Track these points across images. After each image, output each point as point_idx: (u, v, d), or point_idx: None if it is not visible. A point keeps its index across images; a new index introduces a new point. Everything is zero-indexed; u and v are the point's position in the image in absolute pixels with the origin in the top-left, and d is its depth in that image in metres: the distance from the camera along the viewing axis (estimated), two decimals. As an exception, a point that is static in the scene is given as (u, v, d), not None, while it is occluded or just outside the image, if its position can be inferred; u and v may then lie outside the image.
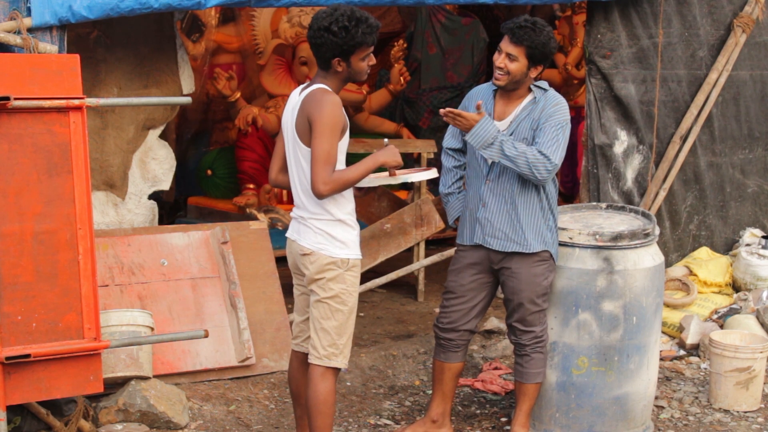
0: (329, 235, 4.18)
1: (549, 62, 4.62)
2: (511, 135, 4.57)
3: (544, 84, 4.67)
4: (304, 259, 4.23)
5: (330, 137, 4.05)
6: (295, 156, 4.21)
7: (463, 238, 4.79)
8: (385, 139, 4.49)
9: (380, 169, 4.25)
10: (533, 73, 4.56)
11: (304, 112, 4.12)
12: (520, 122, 4.59)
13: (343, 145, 4.17)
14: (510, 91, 4.61)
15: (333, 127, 4.05)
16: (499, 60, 4.54)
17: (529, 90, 4.63)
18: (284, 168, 4.36)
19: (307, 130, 4.11)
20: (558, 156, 4.52)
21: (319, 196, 4.08)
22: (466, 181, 4.80)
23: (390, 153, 4.24)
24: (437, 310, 6.98)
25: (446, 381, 4.88)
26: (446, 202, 4.90)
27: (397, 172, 4.35)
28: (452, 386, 4.91)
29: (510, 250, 4.64)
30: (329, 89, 4.15)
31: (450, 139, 4.90)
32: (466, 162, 4.81)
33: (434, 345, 4.91)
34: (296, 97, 4.24)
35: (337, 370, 4.26)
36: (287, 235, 4.35)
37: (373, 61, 4.24)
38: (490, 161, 4.61)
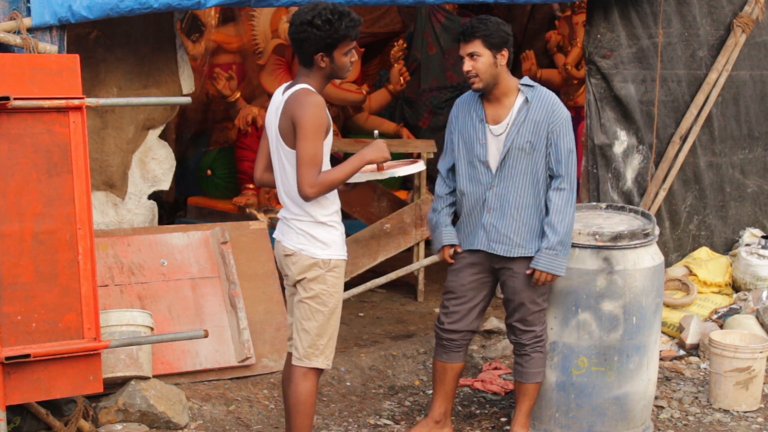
0: (310, 235, 4.17)
1: (510, 44, 4.53)
2: (511, 141, 4.54)
3: (529, 81, 4.63)
4: (287, 260, 4.23)
5: (314, 139, 4.02)
6: (279, 157, 4.19)
7: (462, 243, 4.75)
8: (375, 132, 4.43)
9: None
10: (502, 60, 4.51)
11: (288, 114, 4.08)
12: (519, 127, 4.55)
13: (327, 145, 4.14)
14: (492, 90, 4.56)
15: (317, 129, 4.02)
16: (465, 65, 4.52)
17: (518, 90, 4.59)
18: (269, 167, 4.33)
19: (290, 132, 4.08)
20: (572, 166, 4.57)
21: (306, 198, 4.06)
22: (462, 188, 4.72)
23: (377, 149, 4.20)
24: (437, 310, 6.97)
25: (448, 381, 4.87)
26: (435, 228, 4.80)
27: (384, 165, 4.32)
28: (454, 386, 4.91)
29: (516, 255, 4.63)
30: (312, 89, 4.11)
31: (442, 163, 4.84)
32: (463, 170, 4.70)
33: (435, 345, 4.90)
34: (279, 97, 4.20)
35: (318, 370, 4.27)
36: (274, 235, 4.35)
37: (355, 57, 4.20)
38: (494, 170, 4.59)
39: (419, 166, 4.35)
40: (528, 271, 4.62)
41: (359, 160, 4.16)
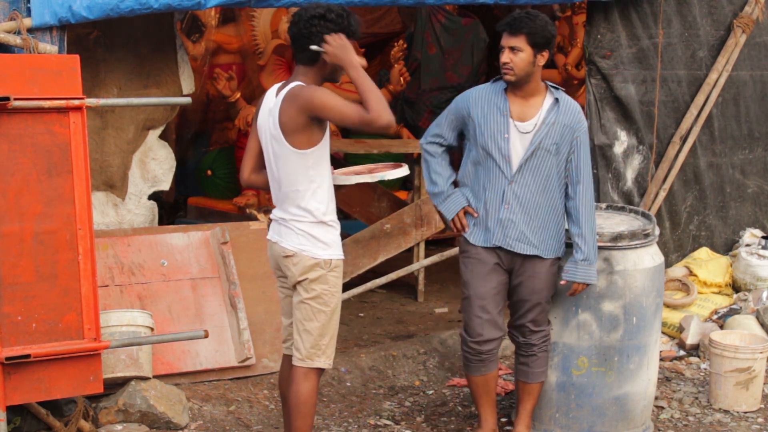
0: (311, 236, 4.16)
1: (552, 46, 4.56)
2: (539, 141, 4.50)
3: (553, 84, 4.64)
4: (286, 261, 4.20)
5: (333, 97, 3.99)
6: (278, 157, 4.14)
7: (477, 239, 4.66)
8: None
9: (353, 163, 4.22)
10: (540, 61, 4.48)
11: (292, 109, 4.04)
12: (549, 128, 4.50)
13: (326, 144, 4.13)
14: (523, 86, 4.52)
15: (329, 94, 4.00)
16: (504, 56, 4.47)
17: (546, 90, 4.57)
18: (257, 167, 4.32)
19: (297, 127, 4.04)
20: (591, 173, 4.61)
21: (388, 125, 3.97)
22: (482, 182, 4.66)
23: (343, 48, 4.06)
24: (437, 310, 6.96)
25: (492, 390, 4.78)
26: (446, 198, 4.69)
27: (370, 168, 4.33)
28: (496, 391, 4.87)
29: (532, 254, 4.61)
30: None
31: (440, 129, 4.73)
32: (481, 163, 4.63)
33: (466, 363, 4.71)
34: (273, 97, 4.18)
35: (320, 370, 4.26)
36: (268, 237, 4.31)
37: None
38: (515, 166, 4.54)
39: (404, 171, 4.37)
40: (562, 282, 4.62)
41: (354, 68, 4.04)
